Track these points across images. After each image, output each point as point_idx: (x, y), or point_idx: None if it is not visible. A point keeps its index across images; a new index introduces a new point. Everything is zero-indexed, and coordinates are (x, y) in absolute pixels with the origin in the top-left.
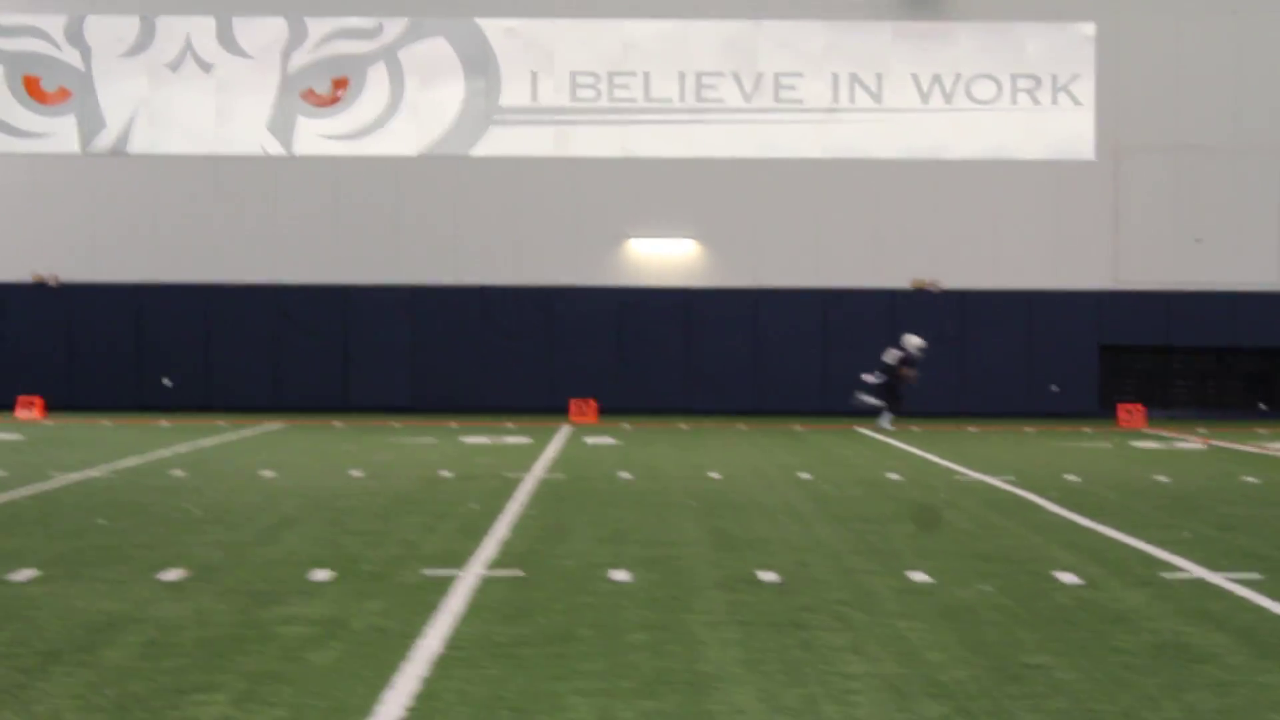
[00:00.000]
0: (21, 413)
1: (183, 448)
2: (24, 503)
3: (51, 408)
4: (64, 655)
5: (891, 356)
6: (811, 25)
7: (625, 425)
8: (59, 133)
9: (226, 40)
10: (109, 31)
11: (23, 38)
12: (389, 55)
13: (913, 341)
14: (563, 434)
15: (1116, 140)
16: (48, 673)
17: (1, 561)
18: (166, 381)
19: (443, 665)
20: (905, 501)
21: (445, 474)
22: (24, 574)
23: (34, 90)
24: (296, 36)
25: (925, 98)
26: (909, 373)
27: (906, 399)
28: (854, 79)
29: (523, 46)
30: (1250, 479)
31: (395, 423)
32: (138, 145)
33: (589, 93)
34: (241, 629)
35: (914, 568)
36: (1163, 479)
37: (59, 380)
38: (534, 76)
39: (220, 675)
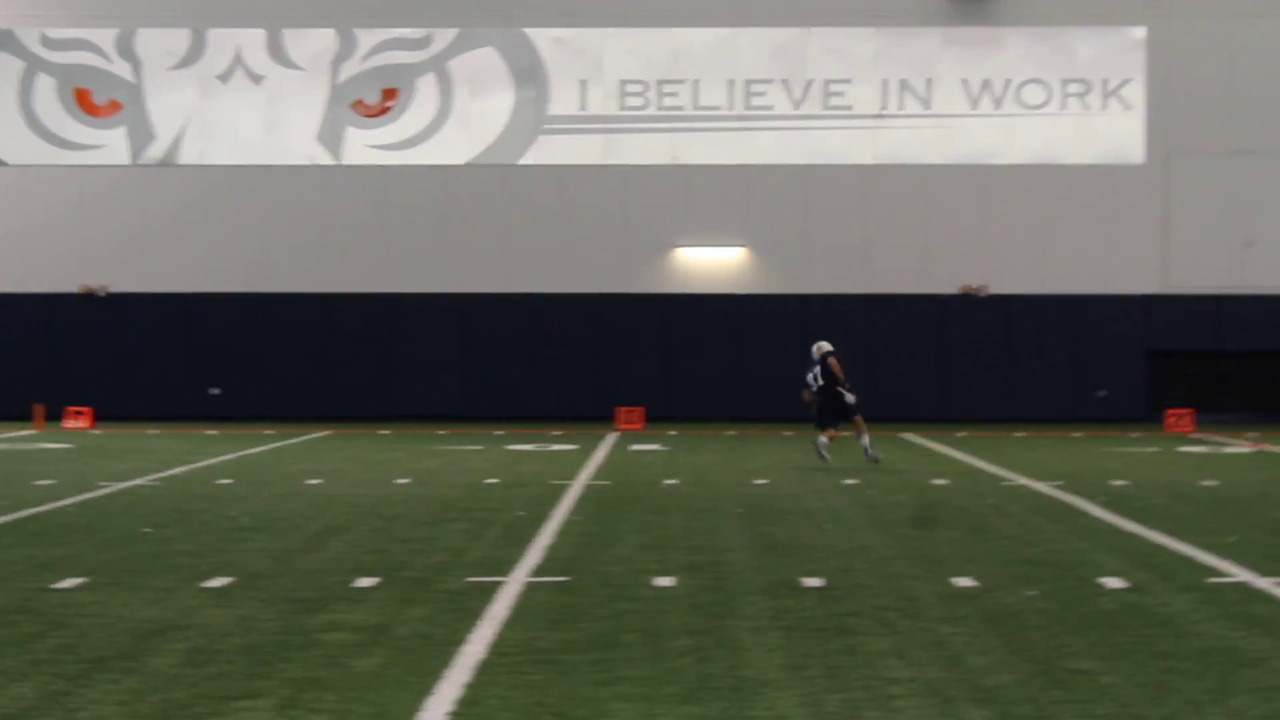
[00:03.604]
0: (71, 422)
1: (229, 456)
2: (71, 510)
3: (100, 417)
4: (109, 662)
5: None
6: (860, 32)
7: (672, 432)
8: (109, 144)
9: (276, 51)
10: (159, 44)
11: (74, 51)
12: (438, 65)
13: None
14: (609, 441)
15: (1166, 144)
16: (92, 680)
17: (48, 569)
18: (214, 390)
19: (486, 671)
20: (951, 507)
21: (491, 481)
22: (70, 581)
23: (85, 103)
24: (346, 47)
25: (974, 103)
26: None
27: None
28: (903, 85)
29: (571, 55)
30: None
31: (442, 430)
32: (187, 156)
33: (637, 100)
34: (286, 636)
35: (959, 573)
36: (1210, 483)
37: (108, 390)
38: (583, 85)
39: (264, 682)
